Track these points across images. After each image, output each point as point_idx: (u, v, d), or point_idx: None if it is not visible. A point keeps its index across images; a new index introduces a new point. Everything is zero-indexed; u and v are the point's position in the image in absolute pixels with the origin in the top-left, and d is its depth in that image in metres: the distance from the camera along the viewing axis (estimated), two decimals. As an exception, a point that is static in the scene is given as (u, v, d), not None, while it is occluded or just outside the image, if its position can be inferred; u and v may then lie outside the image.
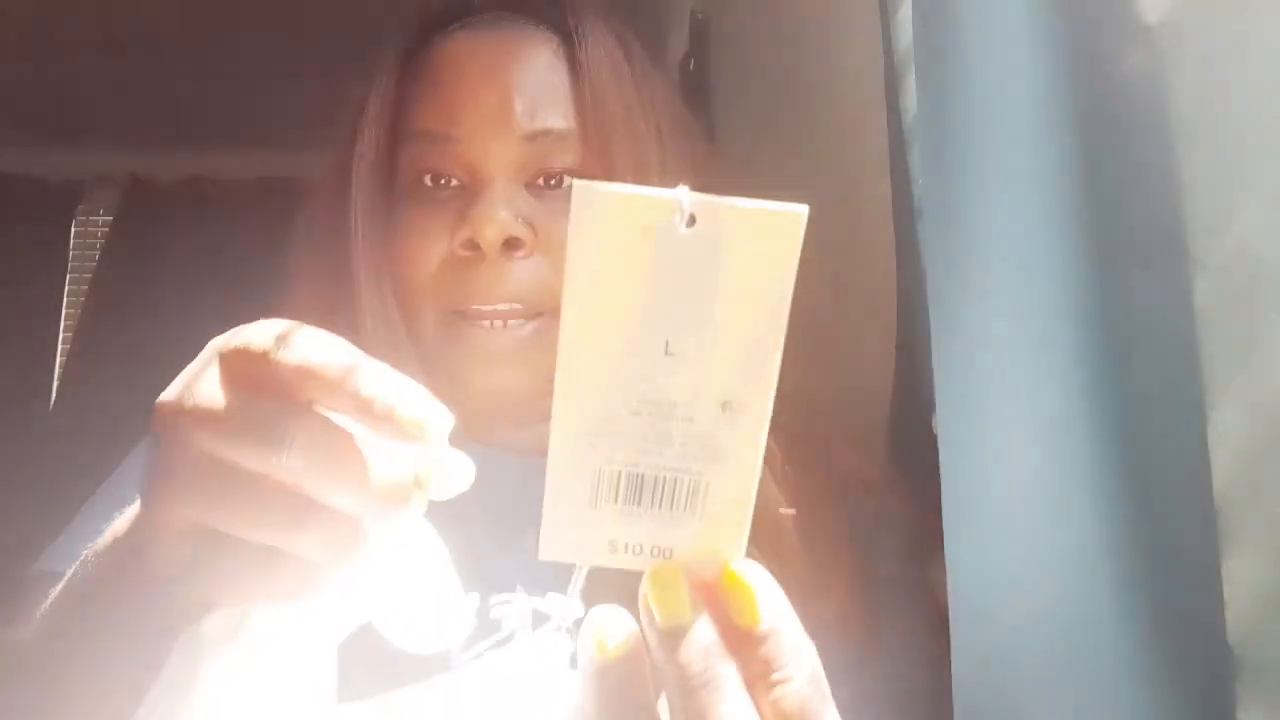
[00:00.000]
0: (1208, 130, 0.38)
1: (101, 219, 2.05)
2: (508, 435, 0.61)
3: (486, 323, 0.58)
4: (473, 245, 0.57)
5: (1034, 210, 0.42)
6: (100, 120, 1.82)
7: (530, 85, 0.59)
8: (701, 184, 0.29)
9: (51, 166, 1.97)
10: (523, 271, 0.57)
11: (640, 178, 0.55)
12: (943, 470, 0.44)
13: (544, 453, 0.33)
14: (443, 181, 0.60)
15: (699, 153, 0.66)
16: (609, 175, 0.57)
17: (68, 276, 2.03)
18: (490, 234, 0.56)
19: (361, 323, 0.58)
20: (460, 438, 0.38)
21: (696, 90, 1.41)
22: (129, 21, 1.54)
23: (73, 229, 2.04)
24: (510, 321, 0.58)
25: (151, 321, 1.86)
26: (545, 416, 0.38)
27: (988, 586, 0.41)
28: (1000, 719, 0.40)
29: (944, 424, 0.45)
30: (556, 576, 0.52)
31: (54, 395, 1.89)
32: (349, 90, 0.64)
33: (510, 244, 0.57)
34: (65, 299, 2.01)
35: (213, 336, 0.38)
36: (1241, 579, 0.35)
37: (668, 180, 0.51)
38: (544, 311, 0.58)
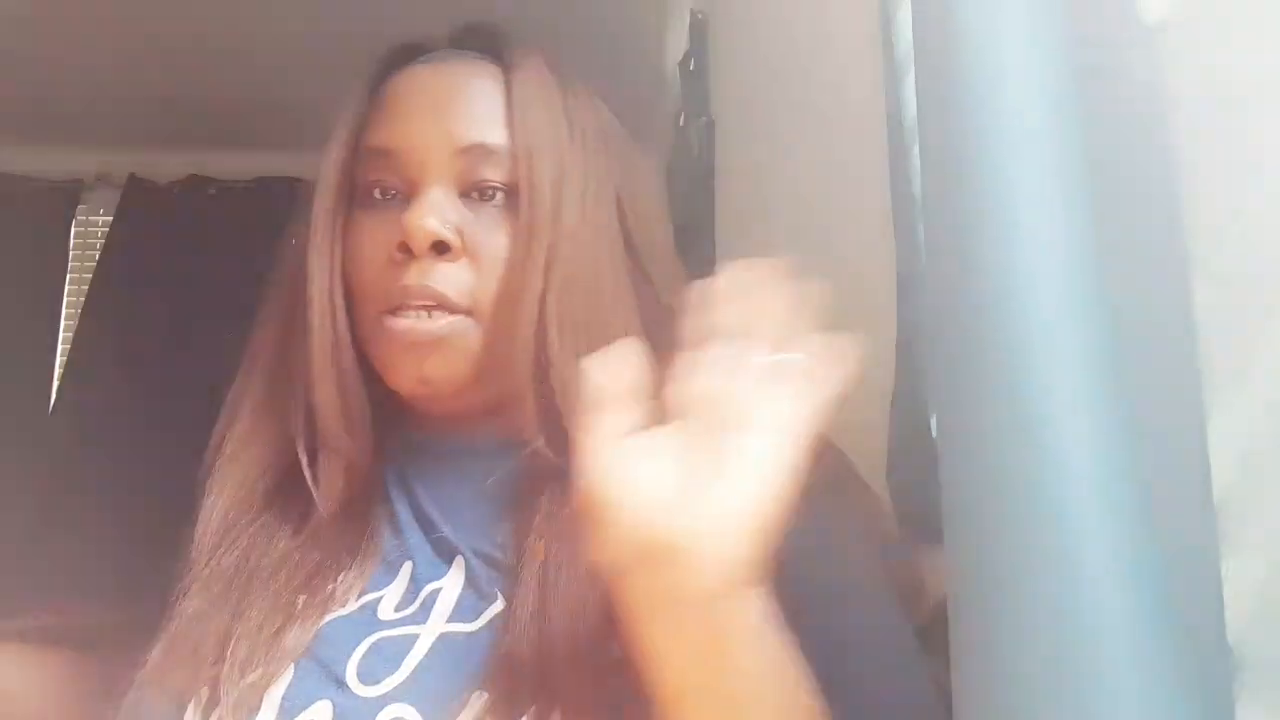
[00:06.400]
0: (1208, 130, 0.38)
1: (101, 219, 2.05)
2: (441, 425, 0.67)
3: (412, 314, 0.62)
4: (405, 249, 0.62)
5: (1034, 210, 0.42)
6: (100, 120, 1.82)
7: (466, 106, 0.66)
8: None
9: (51, 166, 1.97)
10: (448, 272, 0.63)
11: (560, 185, 0.63)
12: (942, 470, 0.44)
13: (473, 447, 0.64)
14: (390, 194, 0.66)
15: (634, 168, 0.72)
16: (532, 184, 0.63)
17: (68, 276, 2.03)
18: (419, 238, 0.62)
19: (310, 321, 0.65)
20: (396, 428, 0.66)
21: (696, 90, 1.41)
22: (129, 22, 1.54)
23: (73, 229, 2.04)
24: (434, 312, 0.62)
25: (151, 321, 1.86)
26: (472, 413, 0.66)
27: (987, 586, 0.41)
28: (1000, 719, 0.40)
29: (944, 424, 0.45)
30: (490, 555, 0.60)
31: (54, 395, 1.89)
32: (345, 89, 0.70)
33: (438, 247, 0.62)
34: (65, 299, 2.01)
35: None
36: (1241, 579, 0.35)
37: (590, 183, 0.65)
38: (467, 310, 0.63)
